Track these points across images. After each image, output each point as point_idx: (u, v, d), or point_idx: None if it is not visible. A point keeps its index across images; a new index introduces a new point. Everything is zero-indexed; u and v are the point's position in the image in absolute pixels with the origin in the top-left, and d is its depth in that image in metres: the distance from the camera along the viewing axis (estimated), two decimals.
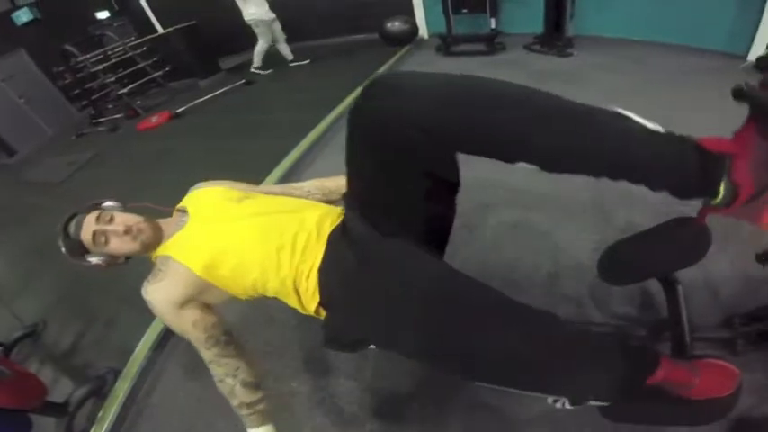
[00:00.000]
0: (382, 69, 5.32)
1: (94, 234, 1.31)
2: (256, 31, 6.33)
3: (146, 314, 2.30)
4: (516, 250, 2.19)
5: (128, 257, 1.45)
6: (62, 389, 2.42)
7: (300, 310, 1.32)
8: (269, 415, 1.29)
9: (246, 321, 2.36)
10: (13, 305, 3.59)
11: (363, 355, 1.89)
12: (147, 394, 2.33)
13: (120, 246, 1.33)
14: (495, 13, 5.16)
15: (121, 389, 2.32)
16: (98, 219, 1.33)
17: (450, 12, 5.38)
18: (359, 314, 1.08)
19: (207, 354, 1.30)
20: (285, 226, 1.29)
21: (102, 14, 9.21)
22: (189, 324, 1.29)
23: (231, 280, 1.29)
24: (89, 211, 1.38)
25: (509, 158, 0.90)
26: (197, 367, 2.20)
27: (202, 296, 1.31)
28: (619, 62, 4.11)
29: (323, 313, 1.24)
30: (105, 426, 2.19)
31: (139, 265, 2.51)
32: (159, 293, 1.28)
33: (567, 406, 1.00)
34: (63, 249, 1.39)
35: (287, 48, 6.61)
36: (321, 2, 7.27)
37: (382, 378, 1.82)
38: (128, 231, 1.32)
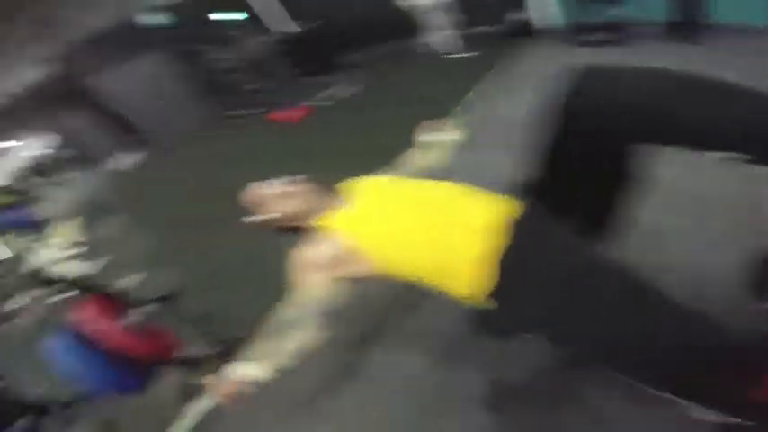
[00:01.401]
0: (513, 60, 5.32)
1: (281, 193, 1.49)
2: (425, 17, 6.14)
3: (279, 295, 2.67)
4: (660, 255, 2.05)
5: (290, 225, 1.53)
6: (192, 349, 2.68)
7: (457, 293, 1.30)
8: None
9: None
10: (154, 273, 3.94)
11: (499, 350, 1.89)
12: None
13: (286, 205, 1.47)
14: (622, 1, 4.92)
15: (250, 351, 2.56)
16: (286, 183, 1.52)
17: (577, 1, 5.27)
18: (533, 301, 1.14)
19: (308, 321, 1.32)
20: (461, 207, 1.32)
21: (234, 15, 9.63)
22: (318, 291, 1.34)
23: (389, 253, 1.33)
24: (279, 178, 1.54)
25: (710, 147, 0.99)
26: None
27: (345, 266, 1.35)
28: (750, 51, 3.72)
29: (480, 299, 1.24)
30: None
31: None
32: (306, 253, 1.37)
33: (711, 418, 0.98)
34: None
35: (448, 36, 6.16)
36: None
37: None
38: (292, 194, 1.48)
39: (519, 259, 1.18)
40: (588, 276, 1.09)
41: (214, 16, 9.52)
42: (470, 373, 1.90)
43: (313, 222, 1.45)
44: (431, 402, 1.88)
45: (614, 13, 4.93)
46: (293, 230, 1.54)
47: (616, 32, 4.90)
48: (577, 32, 5.24)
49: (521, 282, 1.17)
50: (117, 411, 2.73)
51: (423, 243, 1.27)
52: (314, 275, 1.34)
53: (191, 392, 2.51)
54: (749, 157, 0.93)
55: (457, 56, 6.07)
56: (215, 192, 5.83)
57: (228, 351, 2.51)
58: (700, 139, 0.99)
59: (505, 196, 1.36)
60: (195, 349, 2.65)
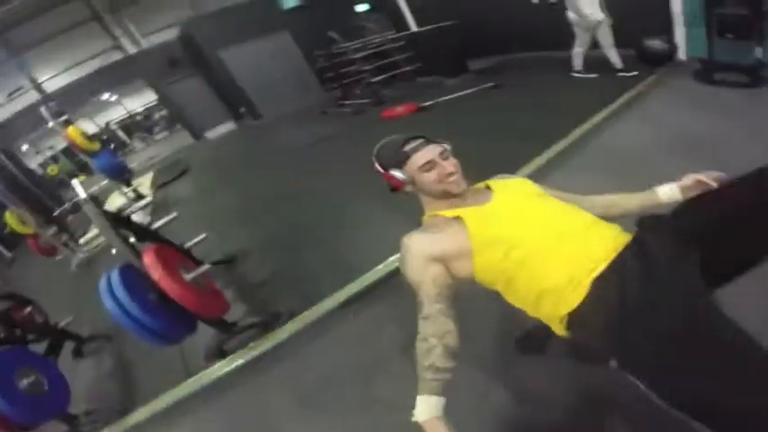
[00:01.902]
0: (640, 86, 5.13)
1: (429, 162, 1.42)
2: (575, 30, 5.89)
3: (340, 277, 2.82)
4: None
5: (422, 195, 1.53)
6: (236, 314, 2.77)
7: (540, 313, 1.30)
8: (445, 388, 1.22)
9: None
10: (224, 237, 4.21)
11: (537, 368, 1.87)
12: (308, 342, 2.52)
13: (434, 180, 1.43)
14: (761, 41, 4.65)
15: (288, 329, 2.60)
16: (441, 154, 1.44)
17: (715, 35, 5.01)
18: (620, 328, 1.09)
19: (429, 308, 1.30)
20: (580, 229, 1.31)
21: (362, 7, 10.12)
22: (429, 276, 1.34)
23: (493, 264, 1.32)
24: (433, 143, 1.48)
25: None
26: (363, 343, 2.40)
27: (454, 263, 1.37)
28: None
29: (561, 319, 1.23)
30: (255, 353, 2.52)
31: (358, 238, 3.10)
32: (421, 242, 1.38)
33: None
34: (382, 154, 1.54)
35: (614, 53, 5.72)
36: (562, 11, 6.51)
37: (543, 399, 1.77)
38: (451, 174, 1.42)
39: (611, 283, 1.16)
40: (704, 326, 1.01)
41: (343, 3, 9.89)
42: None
43: (440, 210, 1.47)
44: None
45: (756, 54, 4.68)
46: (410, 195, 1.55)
47: (752, 75, 4.65)
48: (712, 69, 5.05)
49: (608, 302, 1.13)
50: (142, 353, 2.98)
51: (532, 256, 1.27)
52: (431, 265, 1.36)
53: (222, 353, 2.61)
54: None
55: (592, 76, 5.96)
56: (300, 170, 6.05)
57: (270, 323, 2.68)
58: None
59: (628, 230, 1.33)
60: (242, 316, 2.78)
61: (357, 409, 2.03)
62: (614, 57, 5.77)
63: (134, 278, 2.26)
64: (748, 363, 0.93)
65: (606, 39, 5.73)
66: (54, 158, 16.61)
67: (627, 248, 1.22)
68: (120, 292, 2.13)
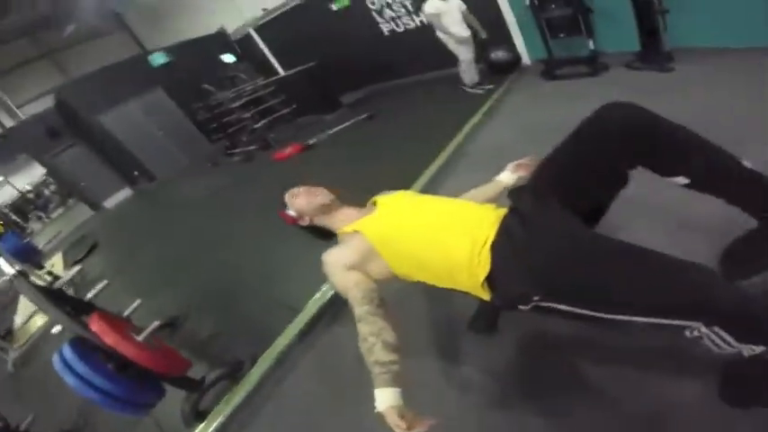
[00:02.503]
0: (497, 94, 5.54)
1: (297, 193, 1.81)
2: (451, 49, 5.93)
3: (288, 312, 2.81)
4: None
5: (311, 223, 1.81)
6: (198, 371, 2.65)
7: (463, 285, 1.46)
8: (399, 379, 1.31)
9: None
10: (157, 302, 4.05)
11: (494, 345, 1.97)
12: (279, 382, 2.51)
13: (304, 203, 1.77)
14: (591, 35, 5.13)
15: (256, 373, 2.56)
16: (301, 188, 1.82)
17: (548, 36, 5.51)
18: (528, 268, 1.27)
19: (359, 310, 1.44)
20: (462, 213, 1.53)
21: (228, 58, 10.08)
22: (352, 282, 1.50)
23: (398, 254, 1.53)
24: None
25: (668, 172, 1.34)
26: (331, 365, 2.47)
27: (368, 265, 1.55)
28: (720, 74, 3.91)
29: (483, 285, 1.38)
30: (233, 404, 2.44)
31: (287, 275, 3.14)
32: (335, 256, 1.57)
33: (702, 330, 1.06)
34: (278, 208, 1.85)
35: (469, 71, 6.02)
36: (420, 37, 7.46)
37: (509, 370, 1.87)
38: (309, 192, 1.79)
39: (504, 241, 1.36)
40: (580, 237, 1.28)
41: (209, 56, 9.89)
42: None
43: (343, 228, 1.68)
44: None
45: (589, 47, 5.15)
46: (323, 231, 1.83)
47: (589, 65, 5.09)
48: (554, 67, 5.48)
49: (508, 257, 1.33)
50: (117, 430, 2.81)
51: (426, 242, 1.47)
52: (349, 273, 1.53)
53: (199, 414, 2.50)
54: None
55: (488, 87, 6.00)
56: (208, 222, 5.99)
57: (236, 372, 2.61)
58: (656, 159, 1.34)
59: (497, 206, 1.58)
60: (203, 371, 2.66)
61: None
62: (470, 72, 6.08)
63: (86, 350, 2.17)
64: (627, 251, 1.18)
65: (466, 53, 5.96)
66: None
67: (505, 216, 1.44)
68: (79, 366, 2.04)
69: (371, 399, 1.97)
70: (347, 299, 1.51)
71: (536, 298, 1.26)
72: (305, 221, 1.81)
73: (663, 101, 3.55)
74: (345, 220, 1.72)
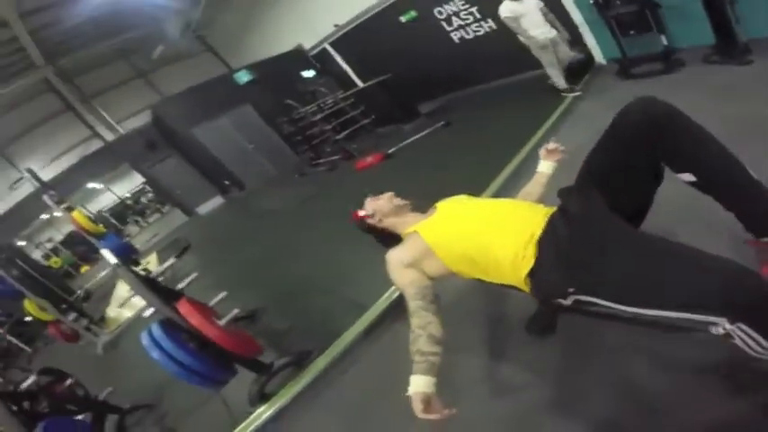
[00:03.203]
0: (570, 96, 5.45)
1: (375, 197, 1.96)
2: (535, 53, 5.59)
3: (357, 310, 3.00)
4: None
5: (380, 223, 1.93)
6: (269, 357, 2.83)
7: (510, 280, 1.53)
8: (435, 369, 1.37)
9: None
10: (239, 297, 4.21)
11: (548, 348, 2.00)
12: (341, 372, 2.66)
13: (383, 203, 1.91)
14: (663, 30, 4.96)
15: (321, 363, 2.72)
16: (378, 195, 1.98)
17: (619, 35, 5.33)
18: (567, 261, 1.34)
19: (412, 305, 1.56)
20: (512, 212, 1.63)
21: (308, 73, 10.72)
22: (408, 279, 1.64)
23: (452, 253, 1.63)
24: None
25: (680, 168, 1.39)
26: (390, 360, 2.41)
27: (424, 263, 1.67)
28: None
29: (526, 280, 1.47)
30: (296, 389, 2.62)
31: (358, 277, 3.41)
32: (396, 254, 1.70)
33: (726, 327, 1.02)
34: (353, 209, 2.00)
35: (556, 73, 5.57)
36: (490, 43, 7.54)
37: (556, 373, 1.90)
38: (392, 196, 1.94)
39: (550, 238, 1.44)
40: (619, 236, 1.32)
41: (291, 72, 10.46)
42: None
43: (405, 230, 1.84)
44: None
45: (662, 43, 4.96)
46: (384, 235, 1.96)
47: (665, 62, 4.93)
48: (628, 66, 5.34)
49: (551, 252, 1.41)
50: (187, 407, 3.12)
51: (476, 240, 1.58)
52: (406, 270, 1.67)
53: (264, 395, 2.68)
54: None
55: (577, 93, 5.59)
56: (293, 229, 6.33)
57: (303, 360, 2.80)
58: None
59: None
60: (273, 357, 2.86)
61: (402, 427, 2.11)
62: (556, 77, 5.64)
63: (172, 330, 2.43)
64: (660, 249, 1.21)
65: (548, 57, 5.55)
66: (54, 251, 16.63)
67: (553, 214, 1.54)
68: (165, 343, 2.31)
69: None
70: (403, 293, 1.65)
71: (570, 290, 1.34)
72: (374, 220, 1.93)
73: (742, 96, 3.59)
74: (410, 223, 1.83)
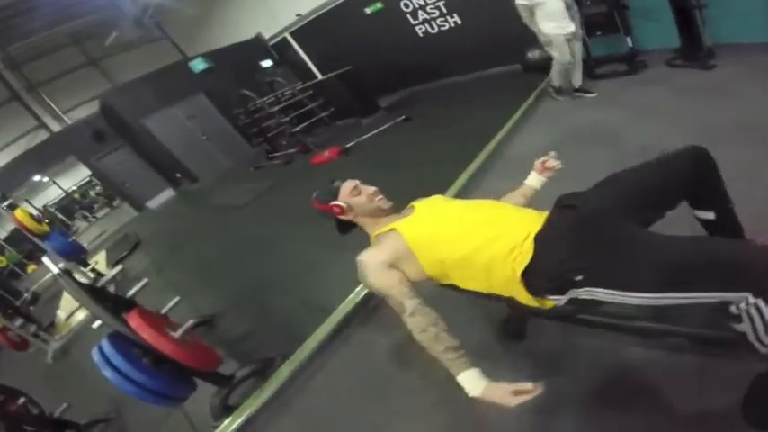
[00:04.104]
0: (532, 96, 5.40)
1: (355, 187, 1.76)
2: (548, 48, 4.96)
3: (320, 313, 2.88)
4: None
5: (353, 221, 1.80)
6: (229, 368, 2.72)
7: (498, 282, 1.48)
8: (472, 360, 1.35)
9: None
10: (194, 300, 4.17)
11: (519, 354, 1.99)
12: (307, 380, 2.58)
13: (364, 201, 1.74)
14: (629, 32, 5.06)
15: (286, 370, 2.63)
16: (360, 183, 1.79)
17: (586, 35, 5.36)
18: (576, 244, 1.34)
19: (411, 303, 1.46)
20: (502, 211, 1.59)
21: (266, 63, 10.43)
22: (396, 279, 1.52)
23: (434, 254, 1.55)
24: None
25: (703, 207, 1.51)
26: (358, 365, 2.54)
27: (404, 266, 1.56)
28: (763, 71, 3.75)
29: (520, 279, 1.41)
30: (261, 400, 2.52)
31: (320, 278, 3.22)
32: (373, 256, 1.58)
33: (750, 302, 1.01)
34: (320, 196, 1.82)
35: (577, 72, 5.02)
36: (454, 38, 7.62)
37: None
38: (375, 194, 1.76)
39: (550, 230, 1.44)
40: (626, 230, 1.32)
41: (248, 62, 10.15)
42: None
43: (378, 230, 1.71)
44: None
45: (627, 44, 5.07)
46: (346, 224, 1.83)
47: (629, 63, 5.04)
48: (593, 66, 5.42)
49: (553, 242, 1.39)
50: (147, 420, 2.97)
51: (465, 238, 1.51)
52: (390, 271, 1.55)
53: (227, 408, 2.59)
54: None
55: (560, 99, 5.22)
56: (248, 225, 6.15)
57: (266, 369, 2.69)
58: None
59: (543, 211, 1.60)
60: (233, 368, 2.75)
61: (375, 429, 2.10)
62: (560, 78, 5.01)
63: (124, 345, 2.28)
64: (675, 237, 1.21)
65: (558, 55, 4.85)
66: None
67: (551, 212, 1.53)
68: (117, 360, 2.15)
69: (397, 397, 2.17)
70: (389, 296, 1.52)
71: (578, 278, 1.30)
72: (347, 215, 1.78)
73: (703, 99, 3.66)
74: (385, 223, 1.73)
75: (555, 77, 5.06)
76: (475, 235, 1.50)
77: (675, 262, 1.13)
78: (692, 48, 4.51)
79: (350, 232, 1.86)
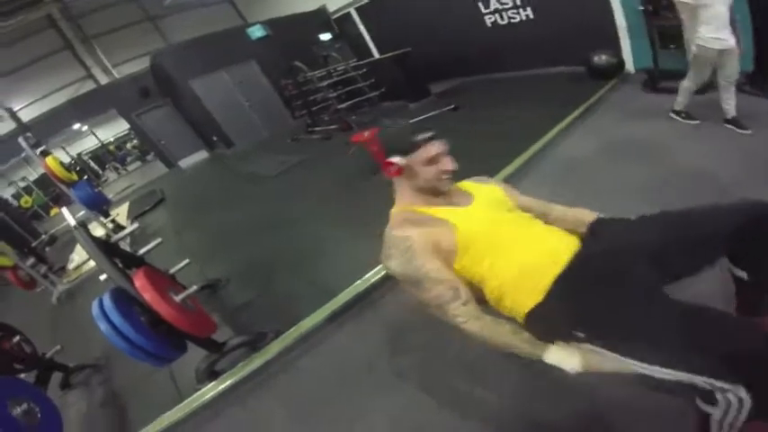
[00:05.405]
0: (591, 100, 5.38)
1: (438, 154, 1.51)
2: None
3: (324, 295, 3.00)
4: None
5: (405, 185, 1.60)
6: (223, 335, 2.87)
7: (503, 307, 1.46)
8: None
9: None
10: (204, 264, 4.39)
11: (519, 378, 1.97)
12: (297, 358, 2.68)
13: (433, 175, 1.52)
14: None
15: (276, 347, 2.74)
16: (445, 153, 1.54)
17: (658, 47, 5.41)
18: (581, 308, 1.29)
19: (465, 291, 1.42)
20: (545, 239, 1.50)
21: (325, 36, 10.65)
22: (446, 265, 1.44)
23: (472, 259, 1.46)
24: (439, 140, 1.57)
25: (741, 265, 1.44)
26: (350, 353, 2.59)
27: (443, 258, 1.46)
28: None
29: (525, 315, 1.39)
30: (246, 370, 2.65)
31: (331, 260, 3.31)
32: (424, 236, 1.44)
33: (742, 395, 1.01)
34: (391, 139, 1.62)
35: (731, 98, 3.87)
36: (522, 32, 7.57)
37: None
38: (447, 172, 1.53)
39: (569, 280, 1.36)
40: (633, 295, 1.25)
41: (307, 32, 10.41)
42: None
43: (428, 208, 1.56)
44: None
45: None
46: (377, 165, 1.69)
47: None
48: (657, 79, 5.40)
49: (566, 293, 1.34)
50: (133, 372, 3.10)
51: (503, 259, 1.44)
52: (436, 255, 1.45)
53: (214, 374, 2.73)
54: None
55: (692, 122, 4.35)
56: (273, 197, 6.28)
57: (257, 342, 2.82)
58: None
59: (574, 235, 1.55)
60: (227, 336, 2.88)
61: (352, 419, 2.17)
62: (727, 102, 3.94)
63: (125, 302, 2.36)
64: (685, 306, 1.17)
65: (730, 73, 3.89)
66: (27, 190, 16.51)
67: (577, 254, 1.44)
68: (114, 316, 2.23)
69: (382, 390, 2.26)
70: (435, 281, 1.41)
71: (581, 336, 1.28)
72: (401, 174, 1.58)
73: (760, 128, 3.62)
74: (435, 205, 1.57)
75: (681, 99, 4.33)
76: (514, 257, 1.44)
77: (677, 341, 1.11)
78: (763, 74, 4.41)
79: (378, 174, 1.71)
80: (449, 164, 1.55)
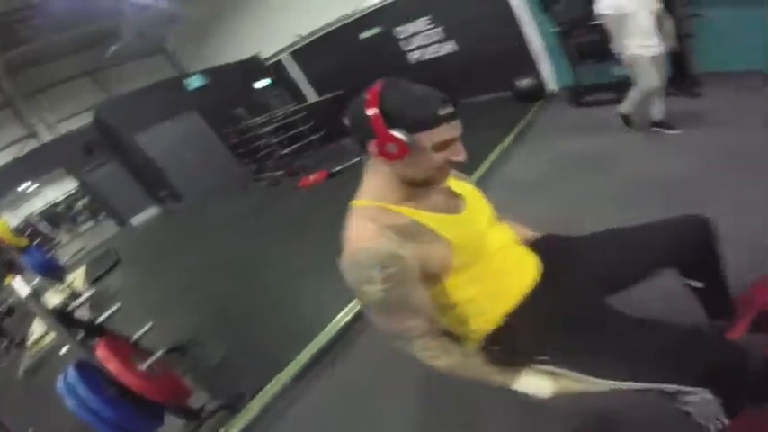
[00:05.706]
0: (522, 123, 5.66)
1: (452, 138, 1.15)
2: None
3: (294, 345, 2.89)
4: None
5: (390, 170, 1.18)
6: (200, 400, 2.76)
7: (475, 329, 1.34)
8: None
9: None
10: (169, 323, 4.21)
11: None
12: (279, 415, 2.59)
13: (436, 162, 1.14)
14: (619, 61, 4.53)
15: (257, 405, 2.63)
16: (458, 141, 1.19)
17: (576, 63, 5.71)
18: (545, 331, 1.26)
19: (430, 325, 1.21)
20: (518, 259, 1.40)
21: (262, 83, 10.79)
22: (424, 292, 1.19)
23: (453, 283, 1.24)
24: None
25: (694, 277, 1.53)
26: (333, 400, 2.53)
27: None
28: (750, 99, 3.97)
29: (485, 337, 1.33)
30: None
31: (300, 305, 3.22)
32: (414, 258, 1.13)
33: (707, 397, 1.05)
34: (411, 109, 1.11)
35: (660, 102, 4.15)
36: (448, 65, 7.99)
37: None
38: (452, 164, 1.17)
39: (533, 304, 1.32)
40: (594, 314, 1.28)
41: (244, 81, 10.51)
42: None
43: (415, 210, 1.22)
44: None
45: (615, 72, 5.16)
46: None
47: (617, 91, 4.89)
48: (581, 94, 5.65)
49: (535, 318, 1.28)
50: None
51: (477, 276, 1.28)
52: (420, 288, 1.21)
53: None
54: None
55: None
56: (229, 246, 6.26)
57: (236, 404, 2.69)
58: None
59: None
60: (203, 400, 2.77)
61: None
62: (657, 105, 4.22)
63: (91, 374, 2.27)
64: (640, 320, 1.20)
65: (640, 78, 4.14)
66: None
67: (540, 279, 1.38)
68: (81, 390, 2.14)
69: None
70: (408, 309, 1.18)
71: (544, 359, 1.25)
72: (402, 158, 1.12)
73: (689, 128, 3.91)
74: (424, 207, 1.24)
75: (628, 104, 4.38)
76: (492, 285, 1.31)
77: (638, 354, 1.14)
78: (679, 76, 4.66)
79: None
80: (461, 153, 1.19)
